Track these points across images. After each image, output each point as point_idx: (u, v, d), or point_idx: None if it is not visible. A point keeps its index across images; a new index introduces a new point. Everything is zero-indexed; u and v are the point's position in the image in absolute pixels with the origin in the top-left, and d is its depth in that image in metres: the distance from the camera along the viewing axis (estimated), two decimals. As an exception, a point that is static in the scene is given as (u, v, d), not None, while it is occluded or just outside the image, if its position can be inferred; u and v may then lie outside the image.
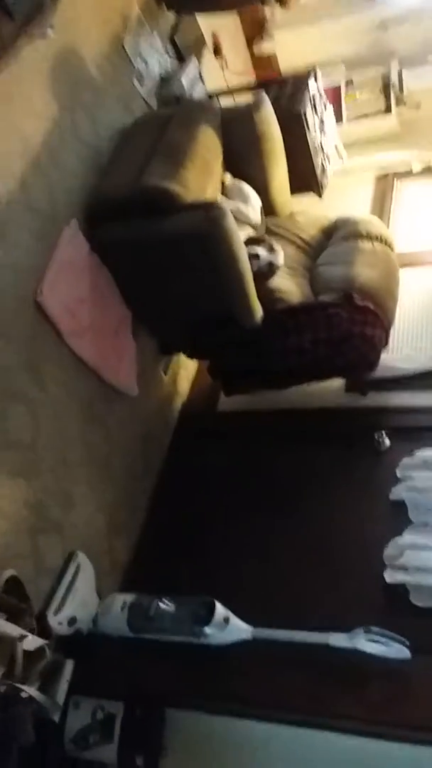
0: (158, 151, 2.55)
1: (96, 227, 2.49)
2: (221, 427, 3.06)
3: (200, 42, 3.66)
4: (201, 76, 3.34)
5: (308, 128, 3.05)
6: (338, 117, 4.16)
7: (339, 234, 3.03)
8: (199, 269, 2.44)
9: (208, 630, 1.82)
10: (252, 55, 4.49)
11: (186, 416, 3.13)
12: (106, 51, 2.78)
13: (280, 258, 2.63)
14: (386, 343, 2.77)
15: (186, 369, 3.24)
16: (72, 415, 2.29)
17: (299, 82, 3.21)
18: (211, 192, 2.68)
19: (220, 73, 3.96)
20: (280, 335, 2.61)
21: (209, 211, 2.30)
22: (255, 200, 2.85)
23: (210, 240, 2.30)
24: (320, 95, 3.26)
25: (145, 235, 2.42)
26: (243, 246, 2.41)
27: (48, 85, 2.37)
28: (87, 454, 2.34)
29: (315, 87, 3.19)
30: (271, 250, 2.61)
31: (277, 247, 2.64)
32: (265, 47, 4.39)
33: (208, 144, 2.65)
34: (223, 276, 2.40)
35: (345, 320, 2.59)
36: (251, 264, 2.49)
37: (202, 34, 3.67)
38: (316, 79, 3.23)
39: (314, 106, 3.15)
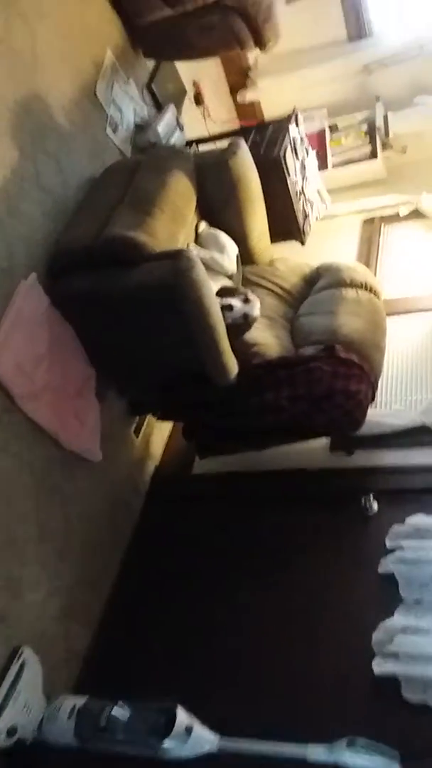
0: (125, 199, 2.41)
1: (58, 280, 2.33)
2: (197, 492, 2.84)
3: (180, 90, 3.57)
4: (179, 124, 3.24)
5: (288, 173, 2.92)
6: (323, 162, 4.07)
7: (321, 282, 2.86)
8: (167, 323, 2.26)
9: (166, 743, 1.57)
10: (236, 103, 4.44)
11: (159, 480, 2.91)
12: (77, 97, 2.67)
13: (256, 309, 2.45)
14: (373, 398, 2.58)
15: (160, 429, 3.04)
16: (24, 487, 2.07)
17: (279, 126, 3.10)
18: (183, 241, 2.53)
19: (201, 122, 3.88)
20: (256, 392, 2.42)
21: (177, 261, 2.14)
22: (231, 249, 2.69)
23: (177, 292, 2.13)
24: (301, 139, 3.14)
25: (108, 287, 2.26)
26: (214, 298, 2.24)
27: (8, 131, 2.24)
28: (41, 530, 2.12)
29: (296, 131, 3.07)
30: (246, 301, 2.44)
31: (253, 297, 2.47)
32: (248, 95, 4.33)
33: (180, 190, 2.51)
34: (193, 330, 2.22)
35: (327, 375, 2.40)
36: (224, 316, 2.32)
37: (182, 83, 3.59)
38: (297, 123, 3.12)
39: (295, 150, 3.02)
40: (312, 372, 2.41)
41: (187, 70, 3.73)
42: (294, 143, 3.02)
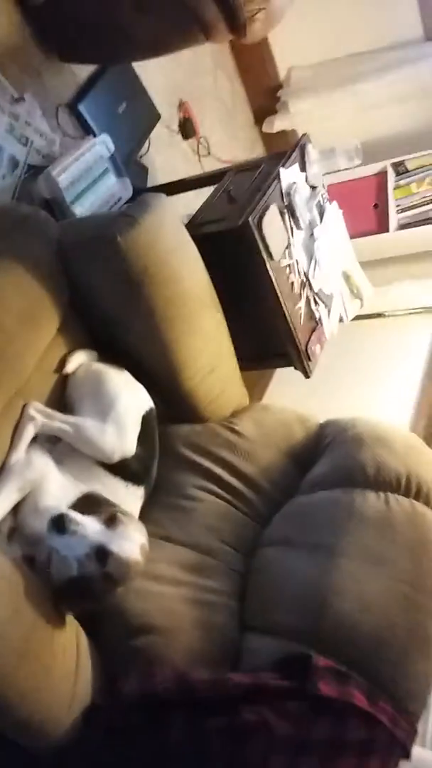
0: None
1: None
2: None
3: (146, 114, 2.31)
4: (118, 166, 1.95)
5: (269, 254, 1.55)
6: (382, 221, 2.71)
7: (321, 467, 1.45)
8: None
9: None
10: (262, 135, 3.15)
11: None
12: None
13: (130, 543, 1.08)
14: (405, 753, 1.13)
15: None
16: None
17: (273, 165, 1.74)
18: (9, 392, 1.23)
19: (192, 162, 2.62)
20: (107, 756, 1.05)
21: None
22: (128, 407, 1.35)
23: None
24: (312, 188, 1.76)
25: None
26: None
27: None
28: None
29: (296, 175, 1.70)
30: (110, 521, 1.08)
31: (128, 519, 1.11)
32: (278, 123, 3.03)
33: (4, 295, 1.22)
34: None
35: (269, 742, 0.99)
36: (58, 567, 1.02)
37: (151, 103, 2.31)
38: (303, 161, 1.75)
39: (290, 212, 1.65)
40: (246, 732, 1.01)
41: (169, 83, 2.48)
42: (290, 198, 1.64)
